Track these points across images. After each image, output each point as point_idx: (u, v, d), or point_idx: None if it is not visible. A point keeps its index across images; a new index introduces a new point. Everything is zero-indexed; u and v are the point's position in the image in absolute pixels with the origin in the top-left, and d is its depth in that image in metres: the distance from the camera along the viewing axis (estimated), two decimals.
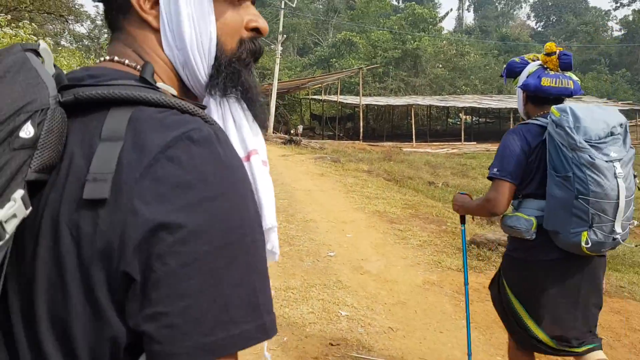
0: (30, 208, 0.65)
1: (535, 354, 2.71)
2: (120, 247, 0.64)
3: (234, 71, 0.88)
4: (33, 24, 11.37)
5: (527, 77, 2.56)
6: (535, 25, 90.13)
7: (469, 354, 3.21)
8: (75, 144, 0.69)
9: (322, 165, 15.13)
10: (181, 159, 0.66)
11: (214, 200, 0.67)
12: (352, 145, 24.60)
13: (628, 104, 39.50)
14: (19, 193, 0.63)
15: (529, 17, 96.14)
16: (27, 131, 0.64)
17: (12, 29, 9.27)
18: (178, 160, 0.66)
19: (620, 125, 2.30)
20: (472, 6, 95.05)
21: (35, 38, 9.27)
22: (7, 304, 0.68)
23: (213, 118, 0.80)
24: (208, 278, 0.65)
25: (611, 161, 2.20)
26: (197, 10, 0.83)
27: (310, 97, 37.97)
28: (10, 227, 0.62)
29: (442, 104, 34.77)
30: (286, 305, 4.50)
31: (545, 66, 2.54)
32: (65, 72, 0.78)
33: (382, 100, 34.54)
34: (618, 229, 2.22)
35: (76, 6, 22.72)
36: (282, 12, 32.62)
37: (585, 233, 2.22)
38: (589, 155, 2.18)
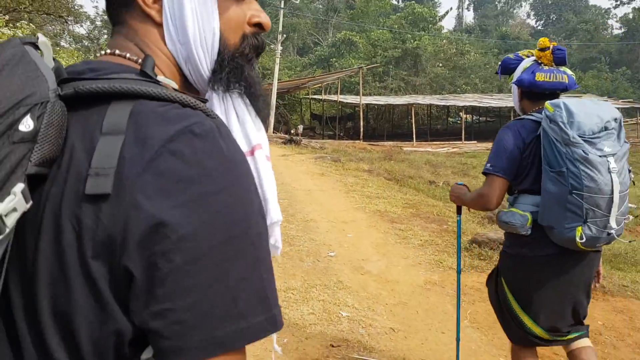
0: (31, 202, 0.65)
1: (538, 354, 2.70)
2: (122, 242, 0.63)
3: (237, 66, 0.88)
4: (32, 24, 11.34)
5: (522, 72, 2.56)
6: (535, 23, 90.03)
7: (458, 339, 3.31)
8: (76, 137, 0.69)
9: (323, 165, 15.10)
10: (184, 153, 0.66)
11: (218, 194, 0.66)
12: (352, 145, 24.57)
13: (629, 102, 39.42)
14: (19, 187, 0.63)
15: (528, 15, 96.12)
16: (27, 124, 0.64)
17: (10, 30, 9.23)
18: (181, 154, 0.66)
19: (615, 119, 2.30)
20: (472, 5, 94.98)
21: None
22: (9, 299, 0.68)
23: (215, 112, 0.80)
24: (215, 272, 0.65)
25: (605, 156, 2.20)
26: (201, 5, 0.83)
27: (310, 96, 37.92)
28: (11, 221, 0.62)
29: (443, 103, 34.72)
30: (286, 306, 4.46)
31: (539, 61, 2.54)
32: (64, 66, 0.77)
33: (382, 100, 34.50)
34: (613, 223, 2.23)
35: (75, 7, 22.64)
36: (281, 11, 32.61)
37: (579, 228, 2.23)
38: (583, 150, 2.18)
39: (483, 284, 4.88)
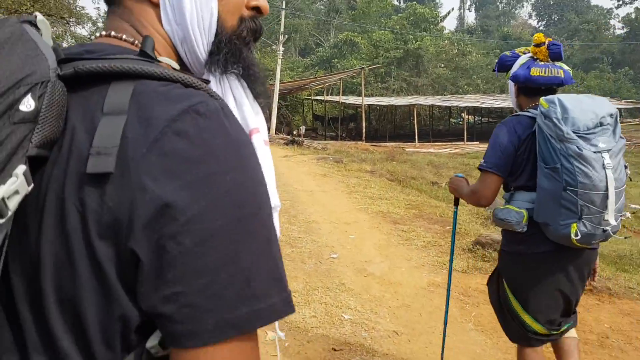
0: (32, 185, 0.63)
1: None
2: (128, 224, 0.61)
3: (235, 48, 0.87)
4: None
5: (518, 68, 2.57)
6: (537, 24, 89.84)
7: (445, 323, 3.35)
8: (76, 118, 0.67)
9: (325, 166, 15.04)
10: (189, 132, 0.64)
11: (226, 174, 0.65)
12: (354, 146, 24.53)
13: (631, 102, 39.39)
14: (21, 169, 0.61)
15: (530, 16, 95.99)
16: (28, 104, 0.62)
17: None
18: (185, 134, 0.64)
19: (610, 115, 2.28)
20: (474, 6, 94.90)
21: None
22: (10, 285, 0.66)
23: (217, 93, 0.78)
24: (226, 253, 0.63)
25: (599, 152, 2.18)
26: None
27: (312, 97, 37.90)
28: (13, 204, 0.60)
29: (445, 103, 34.72)
30: None
31: (535, 57, 2.55)
32: None
33: (384, 101, 34.49)
34: (611, 220, 2.21)
35: (77, 8, 22.62)
36: (283, 12, 32.56)
37: (574, 225, 2.22)
38: (577, 146, 2.17)
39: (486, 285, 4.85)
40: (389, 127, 38.19)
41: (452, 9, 65.13)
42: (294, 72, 44.41)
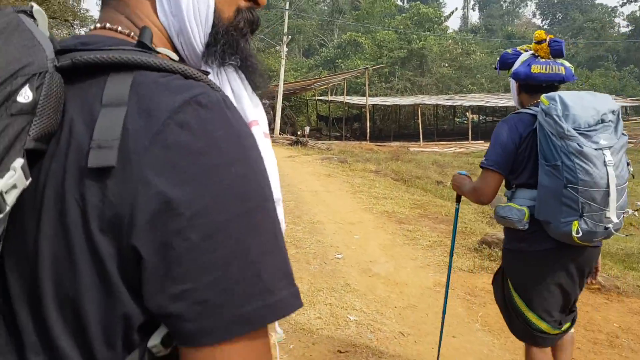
0: (30, 179, 0.62)
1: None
2: (130, 220, 0.59)
3: (232, 39, 0.85)
4: None
5: (519, 66, 2.56)
6: (541, 23, 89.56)
7: (442, 323, 3.40)
8: (74, 111, 0.65)
9: (329, 166, 14.99)
10: (191, 124, 0.62)
11: (230, 166, 0.63)
12: (359, 146, 24.48)
13: (637, 100, 39.22)
14: (19, 162, 0.60)
15: (534, 15, 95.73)
16: (26, 95, 0.60)
17: None
18: (188, 126, 0.62)
19: (612, 112, 2.27)
20: (477, 5, 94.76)
21: None
22: (6, 284, 0.65)
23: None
24: (234, 247, 0.61)
25: (600, 149, 2.17)
26: None
27: (316, 98, 37.85)
28: (11, 199, 0.59)
29: (449, 103, 34.64)
30: None
31: (536, 54, 2.54)
32: None
33: (388, 100, 34.42)
34: (613, 218, 2.20)
35: (81, 11, 22.65)
36: (286, 13, 32.52)
37: (575, 222, 2.21)
38: (577, 144, 2.16)
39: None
40: (393, 127, 38.11)
41: (456, 8, 65.05)
42: (297, 72, 44.35)
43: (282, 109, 31.17)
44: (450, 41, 47.00)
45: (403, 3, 70.71)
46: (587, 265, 2.48)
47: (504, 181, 2.55)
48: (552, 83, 2.52)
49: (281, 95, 29.15)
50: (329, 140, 29.34)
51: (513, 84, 2.68)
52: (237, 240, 0.62)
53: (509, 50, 2.72)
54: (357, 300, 4.69)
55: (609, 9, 76.84)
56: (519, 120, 2.47)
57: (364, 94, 31.53)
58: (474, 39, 53.32)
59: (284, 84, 29.53)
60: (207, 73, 0.77)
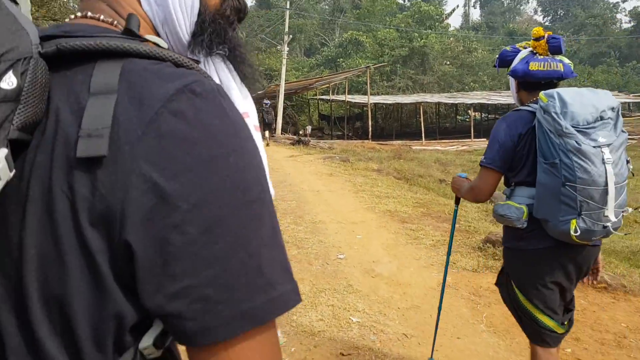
0: (14, 171, 0.58)
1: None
2: (123, 214, 0.56)
3: (219, 27, 0.82)
4: None
5: (517, 63, 2.55)
6: (543, 19, 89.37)
7: (437, 322, 3.43)
8: (60, 99, 0.61)
9: (331, 165, 14.94)
10: (186, 113, 0.60)
11: (228, 157, 0.61)
12: (361, 145, 24.44)
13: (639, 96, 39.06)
14: (3, 152, 0.56)
15: (536, 11, 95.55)
16: (10, 82, 0.56)
17: None
18: (182, 115, 0.59)
19: (612, 109, 2.23)
20: (478, 2, 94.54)
21: None
22: None
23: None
24: (234, 240, 0.59)
25: (599, 146, 2.15)
26: None
27: (318, 97, 37.78)
28: None
29: (451, 101, 34.51)
30: (294, 313, 4.29)
31: (535, 51, 2.52)
32: None
33: (390, 99, 34.31)
34: (612, 216, 2.18)
35: None
36: (287, 12, 32.45)
37: (574, 221, 2.19)
38: (576, 141, 2.14)
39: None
40: (396, 126, 38.00)
41: (457, 6, 64.91)
42: (299, 72, 44.30)
43: (284, 109, 31.14)
44: (451, 39, 46.89)
45: (404, 1, 70.56)
46: (586, 264, 2.46)
47: (502, 179, 2.54)
48: (551, 80, 2.49)
49: (283, 94, 29.11)
50: (331, 139, 29.29)
51: (512, 82, 2.66)
52: (237, 233, 0.59)
53: (508, 48, 2.70)
54: (360, 301, 4.62)
55: (611, 5, 76.65)
56: (518, 118, 2.45)
57: (365, 93, 31.42)
58: (475, 37, 53.24)
59: (285, 83, 29.49)
60: (197, 62, 0.75)
